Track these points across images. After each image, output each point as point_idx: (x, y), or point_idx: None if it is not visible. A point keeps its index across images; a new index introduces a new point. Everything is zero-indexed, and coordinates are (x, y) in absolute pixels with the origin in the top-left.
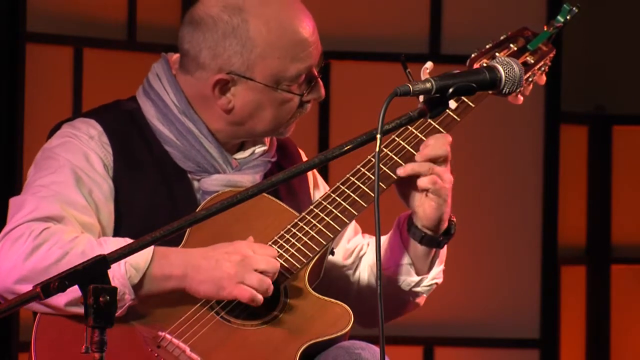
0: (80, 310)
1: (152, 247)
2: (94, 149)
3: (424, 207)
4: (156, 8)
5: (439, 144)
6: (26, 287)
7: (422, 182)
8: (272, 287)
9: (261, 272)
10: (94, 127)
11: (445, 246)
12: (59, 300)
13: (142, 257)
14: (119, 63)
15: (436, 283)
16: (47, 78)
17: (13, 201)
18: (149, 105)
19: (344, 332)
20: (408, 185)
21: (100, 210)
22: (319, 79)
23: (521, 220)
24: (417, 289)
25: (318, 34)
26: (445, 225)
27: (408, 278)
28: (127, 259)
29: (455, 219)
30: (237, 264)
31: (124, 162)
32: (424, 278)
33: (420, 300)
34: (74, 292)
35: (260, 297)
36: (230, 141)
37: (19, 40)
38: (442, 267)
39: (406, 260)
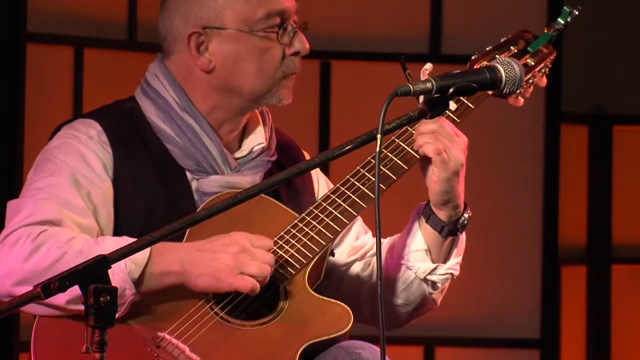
0: (80, 307)
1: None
2: (93, 149)
3: (431, 181)
4: (156, 8)
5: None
6: (25, 289)
7: (425, 148)
8: (269, 275)
9: None
10: (93, 127)
11: (464, 240)
12: (60, 299)
13: (140, 254)
14: (119, 63)
15: (452, 274)
16: (47, 78)
17: (11, 204)
18: (148, 103)
19: (343, 331)
20: (425, 162)
21: (98, 211)
22: (299, 31)
23: (521, 220)
24: (433, 277)
25: None
26: (456, 211)
27: (424, 265)
28: None
29: (470, 214)
30: (235, 254)
31: (123, 162)
32: (440, 266)
33: (437, 296)
34: (75, 290)
35: (258, 287)
36: (228, 120)
37: (19, 40)
38: (459, 259)
39: (423, 246)
